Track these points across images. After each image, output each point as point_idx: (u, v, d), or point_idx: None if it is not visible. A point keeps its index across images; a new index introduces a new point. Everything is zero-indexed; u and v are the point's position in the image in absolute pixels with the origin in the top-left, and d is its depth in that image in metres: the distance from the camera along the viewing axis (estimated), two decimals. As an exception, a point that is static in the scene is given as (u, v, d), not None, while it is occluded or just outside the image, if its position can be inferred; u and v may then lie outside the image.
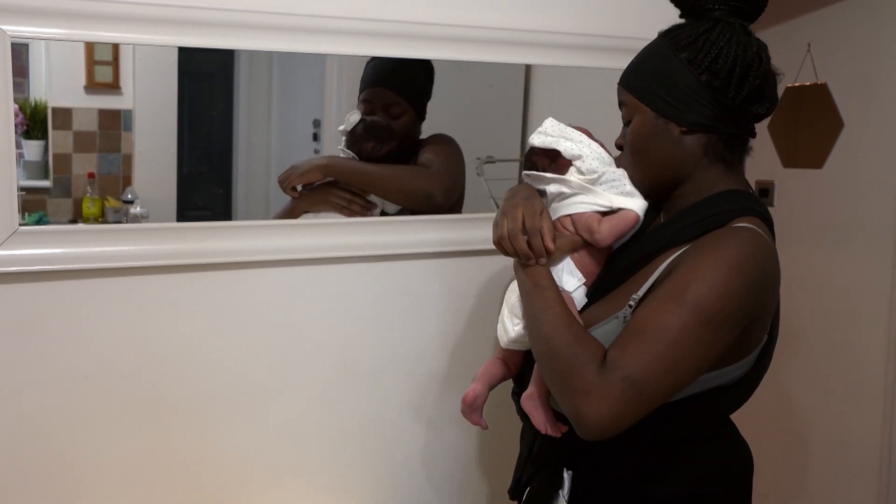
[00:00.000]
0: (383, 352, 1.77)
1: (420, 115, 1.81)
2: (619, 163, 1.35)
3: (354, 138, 1.75)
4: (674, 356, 1.12)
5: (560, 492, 1.33)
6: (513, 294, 1.36)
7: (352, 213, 1.72)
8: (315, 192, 1.73)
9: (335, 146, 1.77)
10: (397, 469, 1.83)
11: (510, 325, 1.36)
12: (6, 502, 1.47)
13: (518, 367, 1.43)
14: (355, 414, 1.77)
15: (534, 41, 1.76)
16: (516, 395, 1.39)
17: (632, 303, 1.21)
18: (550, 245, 1.25)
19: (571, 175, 1.34)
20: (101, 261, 1.47)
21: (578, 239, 1.32)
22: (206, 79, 1.73)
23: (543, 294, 1.24)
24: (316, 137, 1.82)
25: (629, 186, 1.32)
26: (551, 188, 1.36)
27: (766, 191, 2.91)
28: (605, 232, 1.30)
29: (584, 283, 1.33)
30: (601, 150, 1.35)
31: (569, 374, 1.15)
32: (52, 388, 1.48)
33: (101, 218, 1.58)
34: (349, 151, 1.75)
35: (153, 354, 1.55)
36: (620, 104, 1.33)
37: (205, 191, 1.75)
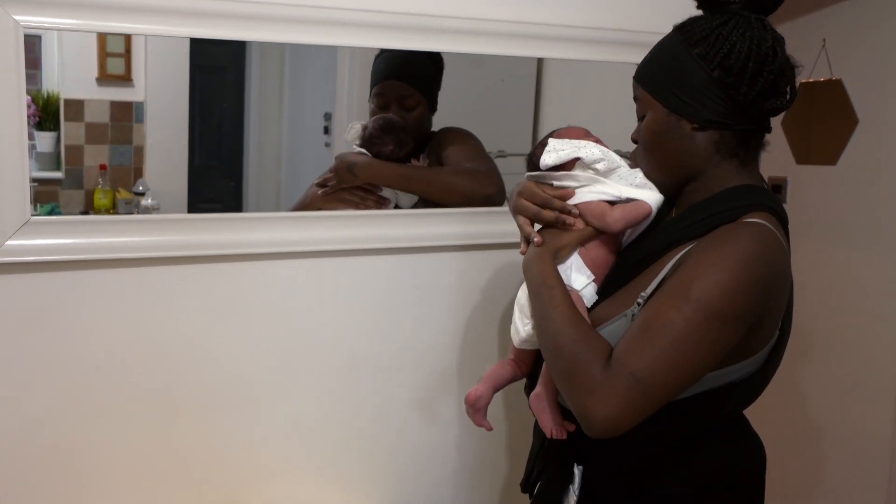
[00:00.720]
0: (393, 345, 1.77)
1: (432, 106, 1.82)
2: (633, 158, 1.34)
3: (372, 140, 1.74)
4: (678, 353, 1.11)
5: (570, 486, 1.33)
6: (523, 294, 1.35)
7: (366, 210, 1.72)
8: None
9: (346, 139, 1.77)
10: (407, 463, 1.83)
11: (521, 326, 1.36)
12: (16, 489, 1.48)
13: (530, 367, 1.43)
14: (365, 407, 1.77)
15: (546, 35, 1.75)
16: (529, 389, 1.39)
17: (640, 301, 1.20)
18: (566, 205, 1.30)
19: (577, 171, 1.34)
20: (112, 251, 1.47)
21: (586, 231, 1.31)
22: (218, 71, 1.73)
23: (551, 293, 1.25)
24: (327, 130, 1.82)
25: (642, 180, 1.31)
26: (557, 185, 1.35)
27: (778, 187, 2.89)
28: (618, 216, 1.29)
29: (593, 281, 1.32)
30: (611, 152, 1.34)
31: (575, 372, 1.15)
32: (62, 377, 1.49)
33: (113, 209, 1.58)
34: (364, 150, 1.75)
35: (163, 345, 1.55)
36: (635, 98, 1.32)
37: (216, 183, 1.75)
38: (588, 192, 1.31)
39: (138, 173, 1.60)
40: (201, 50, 1.59)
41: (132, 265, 1.50)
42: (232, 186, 1.77)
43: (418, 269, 1.77)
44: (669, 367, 1.11)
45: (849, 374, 2.73)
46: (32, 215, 1.41)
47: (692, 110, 1.23)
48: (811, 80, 2.75)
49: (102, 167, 1.58)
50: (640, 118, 1.31)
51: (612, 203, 1.30)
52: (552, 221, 1.32)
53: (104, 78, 1.57)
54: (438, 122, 1.83)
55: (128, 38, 1.55)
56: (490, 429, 1.45)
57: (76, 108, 1.56)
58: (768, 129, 1.28)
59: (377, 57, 1.75)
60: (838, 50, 2.69)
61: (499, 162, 1.86)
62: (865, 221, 2.67)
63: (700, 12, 1.29)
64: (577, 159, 1.33)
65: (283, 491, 1.70)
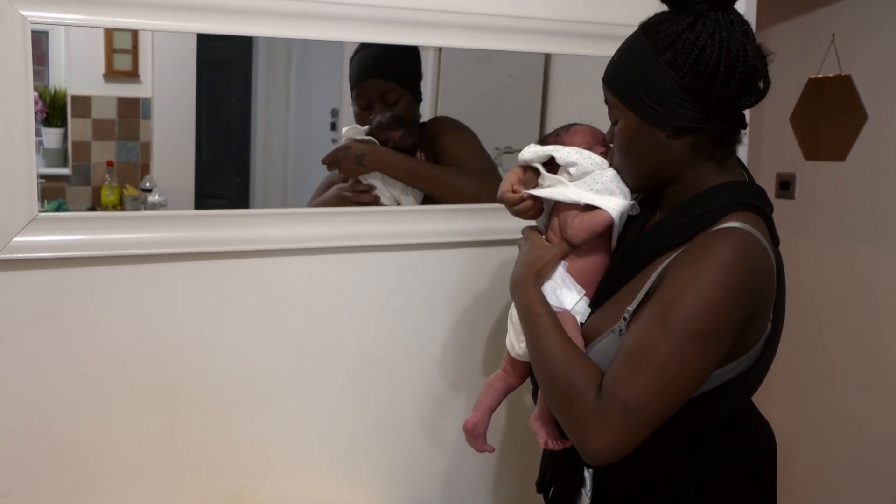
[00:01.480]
0: (400, 341, 1.77)
1: (416, 96, 1.81)
2: (610, 160, 1.33)
3: (381, 127, 1.74)
4: (665, 379, 1.12)
5: (583, 490, 1.33)
6: (515, 311, 1.36)
7: (364, 205, 1.72)
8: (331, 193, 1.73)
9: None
10: (414, 459, 1.83)
11: (516, 343, 1.38)
12: (23, 485, 1.49)
13: (525, 375, 1.44)
14: (372, 403, 1.77)
15: (553, 30, 1.75)
16: (535, 394, 1.39)
17: (626, 315, 1.21)
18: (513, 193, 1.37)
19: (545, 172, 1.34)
20: (119, 248, 1.47)
21: (563, 245, 1.32)
22: (225, 67, 1.73)
23: (538, 322, 1.26)
24: (334, 126, 1.82)
25: (611, 185, 1.29)
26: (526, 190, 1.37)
27: (786, 183, 2.88)
28: (576, 228, 1.29)
29: (584, 295, 1.31)
30: (593, 154, 1.32)
31: (568, 405, 1.17)
32: (69, 373, 1.49)
33: (120, 206, 1.58)
34: (371, 138, 1.74)
35: (170, 342, 1.56)
36: (606, 102, 1.29)
37: (222, 179, 1.75)
38: (551, 192, 1.31)
39: (145, 170, 1.60)
40: (208, 46, 1.59)
41: (139, 261, 1.50)
42: (239, 183, 1.77)
43: (426, 266, 1.77)
44: (659, 394, 1.12)
45: (855, 370, 2.73)
46: (40, 212, 1.41)
47: (664, 118, 1.20)
48: (820, 75, 2.74)
49: (109, 163, 1.58)
50: (614, 123, 1.29)
51: (571, 207, 1.30)
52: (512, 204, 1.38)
53: (111, 74, 1.57)
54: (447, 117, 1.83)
55: (135, 34, 1.55)
56: (492, 450, 1.46)
57: (83, 104, 1.56)
58: (744, 126, 1.25)
59: (351, 60, 1.74)
60: (847, 45, 2.68)
61: (506, 158, 1.85)
62: (874, 217, 2.65)
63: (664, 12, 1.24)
64: (552, 158, 1.33)
65: (290, 487, 1.70)
